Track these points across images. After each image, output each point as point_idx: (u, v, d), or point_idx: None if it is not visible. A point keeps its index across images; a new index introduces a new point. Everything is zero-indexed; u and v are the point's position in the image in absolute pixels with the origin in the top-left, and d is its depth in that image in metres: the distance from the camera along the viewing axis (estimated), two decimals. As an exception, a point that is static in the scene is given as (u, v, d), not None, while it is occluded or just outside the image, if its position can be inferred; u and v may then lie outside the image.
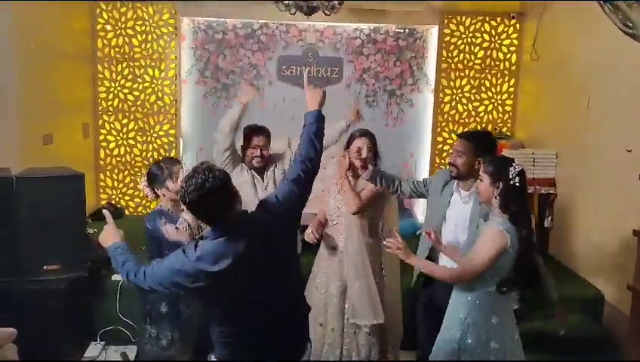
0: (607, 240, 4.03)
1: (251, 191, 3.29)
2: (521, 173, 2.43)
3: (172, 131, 5.86)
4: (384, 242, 2.74)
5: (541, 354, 3.60)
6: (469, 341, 2.48)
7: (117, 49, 5.71)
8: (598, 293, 4.08)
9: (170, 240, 2.71)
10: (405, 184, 3.19)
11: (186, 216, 2.74)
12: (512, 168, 2.41)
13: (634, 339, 3.48)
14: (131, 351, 3.69)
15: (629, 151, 3.74)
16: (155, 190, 2.92)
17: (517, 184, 2.40)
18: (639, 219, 3.54)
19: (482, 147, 2.87)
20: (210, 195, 2.00)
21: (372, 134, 3.28)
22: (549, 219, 4.88)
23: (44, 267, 3.31)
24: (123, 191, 5.95)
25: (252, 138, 3.35)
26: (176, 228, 2.73)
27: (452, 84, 5.93)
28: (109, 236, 2.31)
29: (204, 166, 2.06)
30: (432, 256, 3.03)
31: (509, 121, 5.98)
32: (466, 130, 5.75)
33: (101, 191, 5.92)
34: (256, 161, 3.34)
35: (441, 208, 3.00)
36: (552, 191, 4.85)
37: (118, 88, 5.78)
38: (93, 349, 3.74)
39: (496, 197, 2.44)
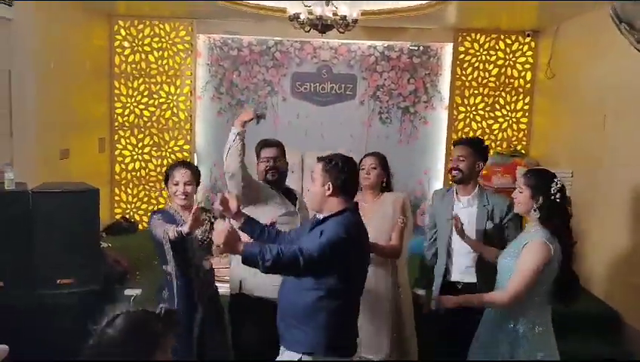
0: (623, 260, 3.97)
1: (281, 202, 3.22)
2: (562, 189, 2.42)
3: (187, 146, 5.91)
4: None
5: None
6: (520, 351, 2.45)
7: (134, 65, 5.80)
8: (614, 314, 4.01)
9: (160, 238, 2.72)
10: (431, 236, 3.24)
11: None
12: (553, 184, 2.40)
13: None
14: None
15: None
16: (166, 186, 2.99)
17: (558, 199, 2.39)
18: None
19: (480, 151, 3.04)
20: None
21: (381, 154, 3.25)
22: (564, 237, 4.81)
23: (58, 280, 3.33)
24: (137, 205, 5.99)
25: (262, 151, 3.23)
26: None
27: (466, 101, 5.92)
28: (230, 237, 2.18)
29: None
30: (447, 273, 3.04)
31: (524, 138, 5.95)
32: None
33: (116, 205, 5.97)
34: (271, 174, 3.13)
35: (446, 213, 3.04)
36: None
37: (134, 104, 5.86)
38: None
39: (535, 210, 2.43)
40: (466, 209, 3.01)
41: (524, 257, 2.40)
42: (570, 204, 4.73)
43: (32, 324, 3.22)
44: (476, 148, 3.04)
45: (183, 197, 2.89)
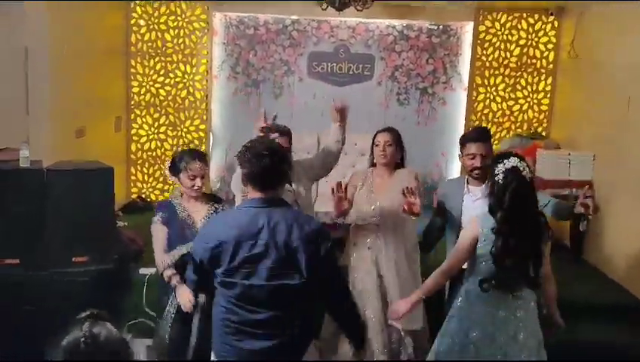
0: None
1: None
2: (510, 171, 2.35)
3: (202, 126, 5.88)
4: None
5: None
6: (453, 326, 2.50)
7: (150, 44, 5.76)
8: (635, 301, 3.93)
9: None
10: (438, 223, 3.08)
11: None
12: (500, 164, 2.38)
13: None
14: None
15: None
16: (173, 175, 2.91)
17: (500, 181, 2.36)
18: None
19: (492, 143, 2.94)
20: None
21: (396, 130, 3.19)
22: (585, 222, 4.71)
23: (73, 258, 3.34)
24: (153, 185, 6.00)
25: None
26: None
27: (486, 82, 5.79)
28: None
29: None
30: None
31: (545, 120, 5.81)
32: (470, 130, 5.58)
33: (132, 184, 5.98)
34: None
35: (458, 205, 2.94)
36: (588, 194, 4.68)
37: (151, 83, 5.83)
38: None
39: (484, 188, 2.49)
40: (478, 201, 2.81)
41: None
42: (592, 186, 4.69)
43: (46, 301, 3.25)
44: (490, 142, 2.91)
45: (198, 190, 2.84)
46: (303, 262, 2.04)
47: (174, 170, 2.88)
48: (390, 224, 3.10)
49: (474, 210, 2.83)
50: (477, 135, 2.93)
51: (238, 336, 2.11)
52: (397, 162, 3.15)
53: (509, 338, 2.42)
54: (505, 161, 2.39)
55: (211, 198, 3.00)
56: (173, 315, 2.86)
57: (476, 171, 2.86)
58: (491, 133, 5.53)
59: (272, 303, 2.07)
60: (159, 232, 2.82)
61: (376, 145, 3.10)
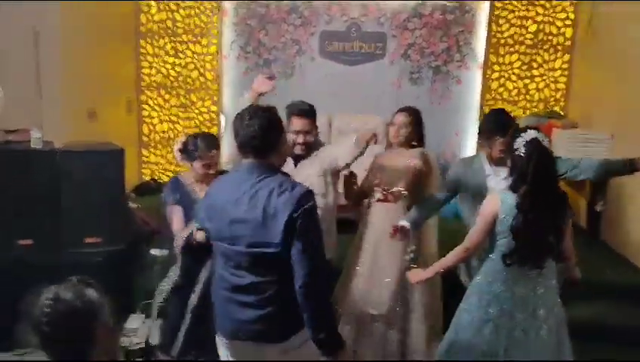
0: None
1: None
2: (530, 143, 2.32)
3: (213, 108, 5.85)
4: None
5: (591, 346, 3.45)
6: (471, 301, 2.50)
7: (160, 24, 5.72)
8: (652, 283, 3.87)
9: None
10: (444, 196, 3.01)
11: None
12: (520, 138, 2.35)
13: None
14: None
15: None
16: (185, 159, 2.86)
17: (522, 154, 2.33)
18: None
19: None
20: None
21: (416, 110, 3.11)
22: (601, 203, 4.64)
23: (85, 239, 3.35)
24: (165, 166, 6.00)
25: (293, 121, 2.92)
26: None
27: (501, 60, 5.69)
28: None
29: None
30: None
31: (562, 99, 5.70)
32: (480, 121, 5.50)
33: (144, 166, 5.99)
34: (299, 148, 2.92)
35: (479, 183, 2.86)
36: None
37: (161, 64, 5.80)
38: (134, 321, 3.79)
39: (508, 165, 2.44)
40: (502, 180, 2.71)
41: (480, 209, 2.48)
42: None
43: (60, 282, 3.26)
44: (509, 128, 2.69)
45: (211, 177, 2.76)
46: (278, 229, 1.96)
47: (187, 155, 2.84)
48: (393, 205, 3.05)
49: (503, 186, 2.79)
50: (497, 130, 2.78)
51: (230, 305, 2.12)
52: (413, 143, 3.08)
53: (528, 315, 2.42)
54: (523, 134, 2.36)
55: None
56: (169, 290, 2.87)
57: (499, 158, 2.78)
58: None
59: (253, 270, 2.05)
60: (176, 213, 2.78)
61: (392, 125, 3.04)
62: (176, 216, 2.78)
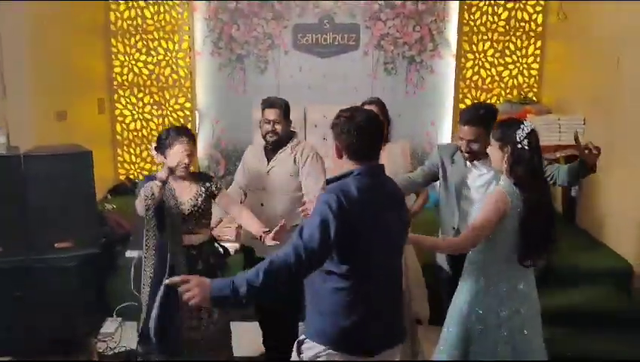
0: (636, 210, 3.83)
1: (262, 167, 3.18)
2: (531, 134, 2.28)
3: (188, 104, 5.79)
4: None
5: (567, 328, 3.49)
6: (479, 309, 2.40)
7: (129, 22, 5.63)
8: (626, 265, 3.91)
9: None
10: (418, 176, 2.98)
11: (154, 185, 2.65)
12: (519, 130, 2.28)
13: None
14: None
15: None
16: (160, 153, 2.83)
17: (526, 147, 2.26)
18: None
19: (490, 125, 2.60)
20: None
21: (381, 101, 3.11)
22: (576, 188, 4.68)
23: (55, 244, 3.30)
24: (141, 165, 5.93)
25: (265, 112, 3.13)
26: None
27: (474, 48, 5.69)
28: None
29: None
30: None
31: (535, 85, 5.72)
32: (464, 108, 5.43)
33: (119, 166, 5.91)
34: (269, 135, 3.11)
35: (459, 176, 2.83)
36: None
37: (133, 62, 5.72)
38: (110, 325, 3.76)
39: (505, 161, 2.32)
40: (485, 176, 2.76)
41: (482, 206, 2.37)
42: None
43: (33, 287, 3.22)
44: (487, 125, 2.61)
45: (185, 168, 2.78)
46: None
47: (161, 148, 2.81)
48: None
49: (486, 186, 2.74)
50: (467, 119, 2.73)
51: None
52: (385, 134, 3.06)
53: (513, 312, 2.38)
54: (522, 125, 2.29)
55: (201, 177, 2.93)
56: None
57: (466, 154, 2.75)
58: (481, 100, 5.45)
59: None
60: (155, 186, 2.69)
61: None
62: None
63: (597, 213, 4.46)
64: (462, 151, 2.79)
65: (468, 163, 2.80)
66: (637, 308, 3.70)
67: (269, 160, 3.15)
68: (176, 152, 2.75)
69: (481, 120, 2.68)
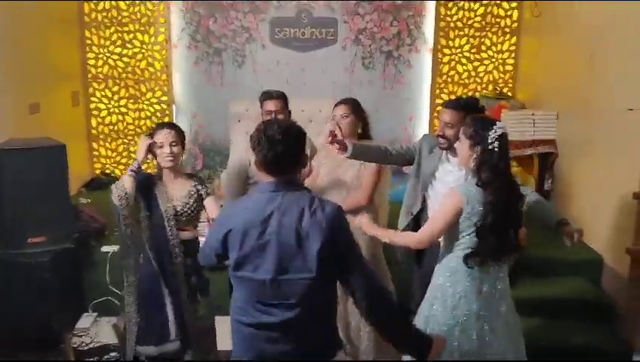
0: (607, 203, 3.92)
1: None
2: (502, 137, 2.26)
3: (164, 98, 5.74)
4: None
5: (539, 319, 3.56)
6: (436, 307, 2.40)
7: (104, 13, 5.55)
8: (597, 257, 4.00)
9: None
10: (394, 151, 2.98)
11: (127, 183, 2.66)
12: (492, 131, 2.26)
13: (632, 302, 3.41)
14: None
15: (631, 110, 3.59)
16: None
17: (496, 149, 2.25)
18: (639, 181, 3.41)
19: (469, 114, 2.64)
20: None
21: (353, 100, 3.10)
22: (549, 181, 4.76)
23: (29, 239, 3.25)
24: (117, 159, 5.87)
25: (264, 104, 3.14)
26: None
27: (451, 43, 5.74)
28: None
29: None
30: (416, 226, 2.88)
31: (511, 81, 5.80)
32: (452, 98, 5.54)
33: (95, 160, 5.84)
34: None
35: (430, 168, 2.86)
36: (552, 151, 4.72)
37: (108, 54, 5.64)
38: (85, 321, 3.72)
39: (473, 161, 2.31)
40: (456, 173, 2.76)
41: (439, 206, 2.38)
42: (555, 145, 4.71)
43: (7, 283, 3.17)
44: (467, 113, 2.64)
45: (171, 158, 2.76)
46: (313, 253, 1.84)
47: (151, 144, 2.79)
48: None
49: (454, 183, 2.72)
50: (449, 102, 2.81)
51: (254, 341, 1.94)
52: (358, 132, 3.07)
53: (493, 313, 2.38)
54: (495, 127, 2.27)
55: (195, 179, 2.94)
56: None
57: (440, 140, 2.77)
58: (458, 95, 5.51)
59: (284, 300, 1.89)
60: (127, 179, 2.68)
61: (332, 119, 3.03)
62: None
63: (569, 206, 4.54)
64: (439, 138, 2.79)
65: (443, 156, 2.83)
66: (607, 299, 3.78)
67: None
68: (158, 141, 2.75)
69: (462, 106, 2.74)
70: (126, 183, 2.66)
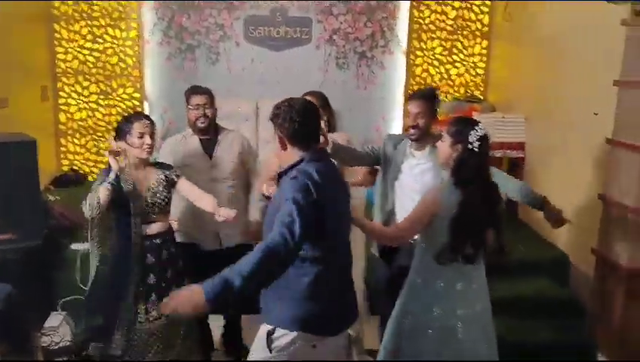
0: (574, 204, 4.03)
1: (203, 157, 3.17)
2: (483, 138, 2.30)
3: (136, 94, 5.66)
4: None
5: (507, 317, 3.63)
6: (412, 306, 2.43)
7: (74, 7, 5.44)
8: (564, 257, 4.11)
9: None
10: (364, 153, 3.04)
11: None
12: (473, 131, 2.29)
13: (598, 301, 3.52)
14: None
15: (596, 114, 3.71)
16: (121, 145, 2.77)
17: (476, 149, 2.28)
18: (604, 184, 3.52)
19: (434, 105, 2.89)
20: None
21: (321, 93, 3.16)
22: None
23: (-3, 236, 3.17)
24: (86, 156, 5.76)
25: (192, 98, 3.15)
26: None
27: (424, 45, 5.81)
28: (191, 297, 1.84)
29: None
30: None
31: (482, 84, 5.91)
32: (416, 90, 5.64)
33: (63, 156, 5.72)
34: (200, 121, 3.12)
35: (397, 164, 2.93)
36: (520, 155, 4.84)
37: (77, 49, 5.53)
38: (54, 319, 3.64)
39: (453, 160, 2.34)
40: (422, 165, 2.87)
41: (417, 204, 2.40)
42: (524, 148, 4.82)
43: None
44: (432, 102, 2.87)
45: (150, 149, 2.76)
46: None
47: (120, 135, 2.76)
48: None
49: (420, 176, 2.84)
50: (417, 93, 2.96)
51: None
52: (326, 124, 3.09)
53: (469, 311, 2.39)
54: (476, 127, 2.30)
55: (160, 166, 2.92)
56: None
57: (411, 131, 2.85)
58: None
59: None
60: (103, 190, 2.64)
61: None
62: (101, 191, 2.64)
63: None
64: (408, 129, 2.89)
65: (407, 151, 2.91)
66: (574, 298, 3.89)
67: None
68: (136, 131, 2.72)
69: (427, 96, 2.88)
70: (101, 194, 2.62)
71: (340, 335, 2.13)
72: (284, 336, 2.03)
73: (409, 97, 2.97)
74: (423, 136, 2.85)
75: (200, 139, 3.18)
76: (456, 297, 2.39)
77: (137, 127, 2.73)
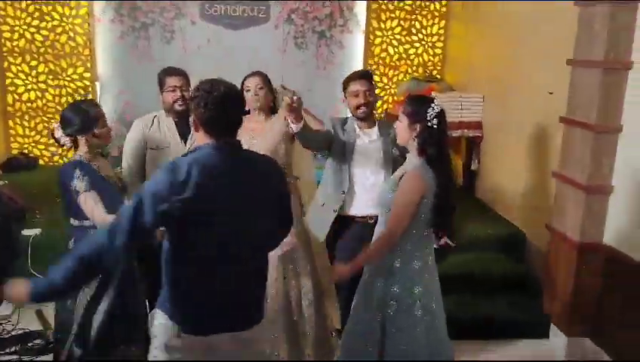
0: (529, 182, 4.13)
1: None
2: (441, 114, 2.32)
3: (87, 74, 5.46)
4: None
5: (463, 294, 3.71)
6: (395, 289, 2.40)
7: (20, -18, 5.20)
8: (519, 233, 4.20)
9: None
10: (326, 137, 2.99)
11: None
12: (430, 109, 2.31)
13: (551, 276, 3.62)
14: (48, 310, 3.48)
15: (551, 93, 3.78)
16: (77, 137, 2.58)
17: (435, 126, 2.30)
18: (558, 161, 3.60)
19: (372, 80, 3.02)
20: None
21: (264, 74, 3.08)
22: (476, 161, 4.96)
23: (-58, 222, 3.03)
24: (36, 139, 5.55)
25: (166, 80, 3.03)
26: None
27: (383, 25, 5.80)
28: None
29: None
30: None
31: (439, 63, 5.95)
32: (384, 79, 5.77)
33: (12, 139, 5.49)
34: (178, 103, 3.01)
35: (350, 143, 2.92)
36: (478, 134, 4.91)
37: (24, 27, 5.29)
38: (5, 308, 3.52)
39: (414, 139, 2.35)
40: (375, 143, 2.94)
41: (399, 190, 2.35)
42: (481, 127, 4.90)
43: None
44: (373, 80, 3.04)
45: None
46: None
47: (78, 128, 2.54)
48: None
49: (376, 152, 2.90)
50: (359, 73, 3.04)
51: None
52: (270, 106, 3.07)
53: (424, 288, 2.42)
54: (432, 105, 2.31)
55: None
56: None
57: (362, 109, 2.90)
58: (389, 76, 5.61)
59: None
60: (94, 200, 2.47)
61: (247, 90, 2.99)
62: (95, 203, 2.47)
63: (494, 185, 4.75)
64: (355, 112, 2.92)
65: (357, 131, 2.95)
66: (529, 274, 3.99)
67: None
68: (101, 126, 2.59)
69: (367, 74, 3.03)
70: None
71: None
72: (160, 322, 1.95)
73: (350, 78, 2.97)
74: (371, 113, 2.97)
75: (175, 122, 3.07)
76: (430, 274, 2.45)
77: (96, 115, 2.59)
